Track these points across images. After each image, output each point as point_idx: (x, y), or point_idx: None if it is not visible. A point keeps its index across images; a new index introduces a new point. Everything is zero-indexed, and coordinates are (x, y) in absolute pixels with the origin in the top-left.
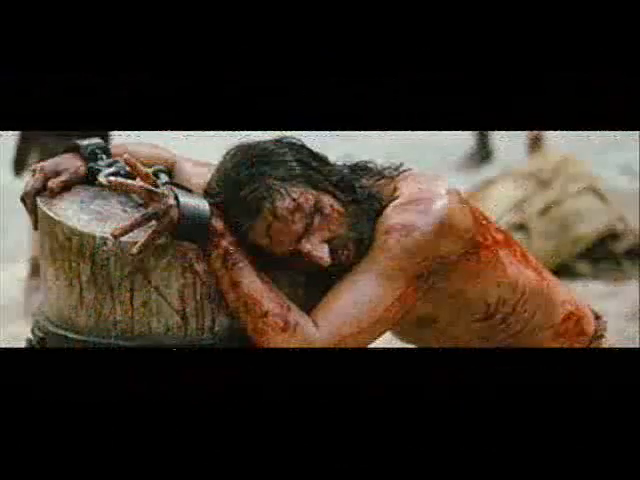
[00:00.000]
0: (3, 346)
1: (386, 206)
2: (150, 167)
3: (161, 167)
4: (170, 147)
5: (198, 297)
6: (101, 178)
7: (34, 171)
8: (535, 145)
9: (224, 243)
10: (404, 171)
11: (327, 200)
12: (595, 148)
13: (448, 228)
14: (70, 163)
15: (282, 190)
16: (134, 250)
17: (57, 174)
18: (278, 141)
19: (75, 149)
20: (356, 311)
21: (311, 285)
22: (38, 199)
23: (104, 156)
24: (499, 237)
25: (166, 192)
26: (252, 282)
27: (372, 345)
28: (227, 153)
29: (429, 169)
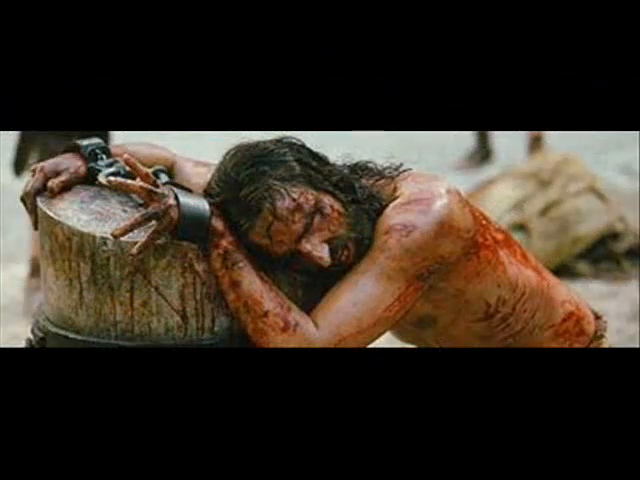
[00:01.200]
0: (3, 346)
1: (386, 206)
2: (150, 167)
3: (161, 167)
4: (170, 147)
5: (198, 297)
6: (101, 178)
7: (34, 171)
8: (535, 145)
9: (224, 243)
10: (404, 171)
11: (327, 200)
12: (595, 148)
13: (448, 228)
14: (70, 163)
15: (282, 190)
16: (134, 250)
17: (57, 174)
18: (278, 141)
19: (75, 149)
20: (356, 311)
21: (311, 285)
22: (38, 199)
23: (104, 156)
24: (499, 237)
25: (166, 192)
26: (252, 282)
27: (372, 345)
28: (227, 153)
29: (429, 169)
